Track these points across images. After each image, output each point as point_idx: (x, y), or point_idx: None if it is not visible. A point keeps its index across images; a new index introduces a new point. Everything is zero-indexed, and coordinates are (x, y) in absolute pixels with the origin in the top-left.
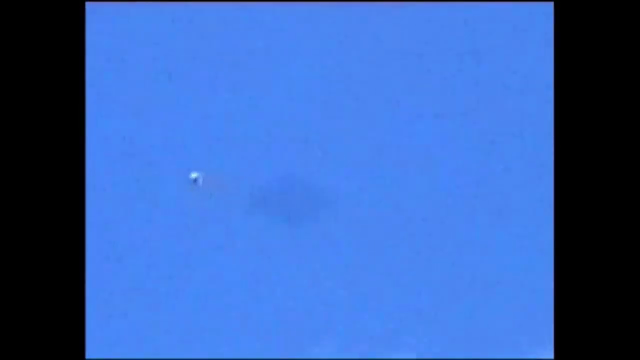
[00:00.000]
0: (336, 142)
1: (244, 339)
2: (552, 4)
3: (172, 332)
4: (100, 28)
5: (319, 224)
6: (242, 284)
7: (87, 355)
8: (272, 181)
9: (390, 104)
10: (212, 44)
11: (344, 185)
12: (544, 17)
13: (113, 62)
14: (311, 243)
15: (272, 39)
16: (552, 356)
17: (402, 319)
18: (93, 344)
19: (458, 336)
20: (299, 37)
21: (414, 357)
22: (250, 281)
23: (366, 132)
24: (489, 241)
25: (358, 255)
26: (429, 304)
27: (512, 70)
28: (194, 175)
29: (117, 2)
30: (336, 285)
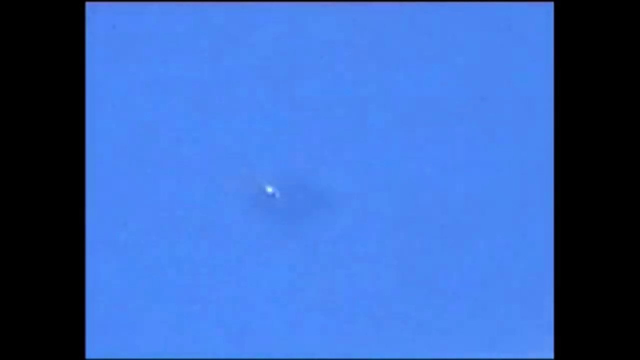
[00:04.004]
0: (335, 142)
1: (246, 340)
2: (552, 4)
3: (173, 333)
4: (100, 28)
5: (319, 224)
6: (242, 285)
7: (87, 355)
8: (273, 181)
9: (389, 105)
10: (213, 44)
11: (344, 185)
12: (544, 17)
13: (113, 62)
14: (312, 243)
15: (275, 38)
16: (552, 356)
17: (402, 318)
18: (93, 344)
19: (458, 336)
20: (301, 36)
21: (414, 357)
22: (251, 283)
23: (366, 132)
24: (489, 241)
25: (357, 255)
26: (429, 304)
27: (511, 70)
28: (269, 189)
29: (117, 2)
30: (336, 286)
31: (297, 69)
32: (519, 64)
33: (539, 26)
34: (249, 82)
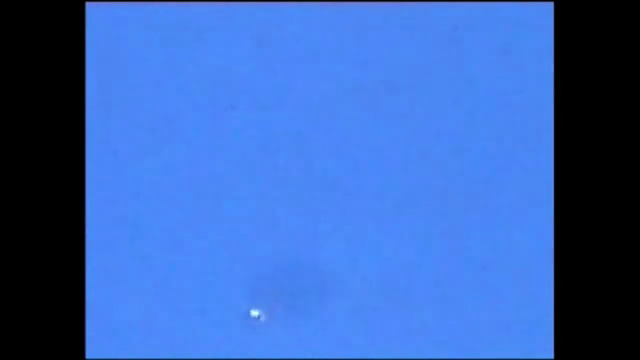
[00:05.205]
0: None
1: (246, 340)
2: (552, 4)
3: (173, 333)
4: (100, 28)
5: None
6: (242, 285)
7: (87, 355)
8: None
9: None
10: (213, 45)
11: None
12: (544, 17)
13: (113, 62)
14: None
15: (275, 41)
16: (552, 356)
17: (402, 318)
18: (93, 344)
19: (458, 336)
20: (301, 40)
21: (414, 357)
22: (251, 281)
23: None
24: (489, 242)
25: (357, 255)
26: (429, 304)
27: (511, 70)
28: (254, 313)
29: (117, 2)
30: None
31: (297, 72)
32: (518, 64)
33: (539, 26)
34: (252, 94)
